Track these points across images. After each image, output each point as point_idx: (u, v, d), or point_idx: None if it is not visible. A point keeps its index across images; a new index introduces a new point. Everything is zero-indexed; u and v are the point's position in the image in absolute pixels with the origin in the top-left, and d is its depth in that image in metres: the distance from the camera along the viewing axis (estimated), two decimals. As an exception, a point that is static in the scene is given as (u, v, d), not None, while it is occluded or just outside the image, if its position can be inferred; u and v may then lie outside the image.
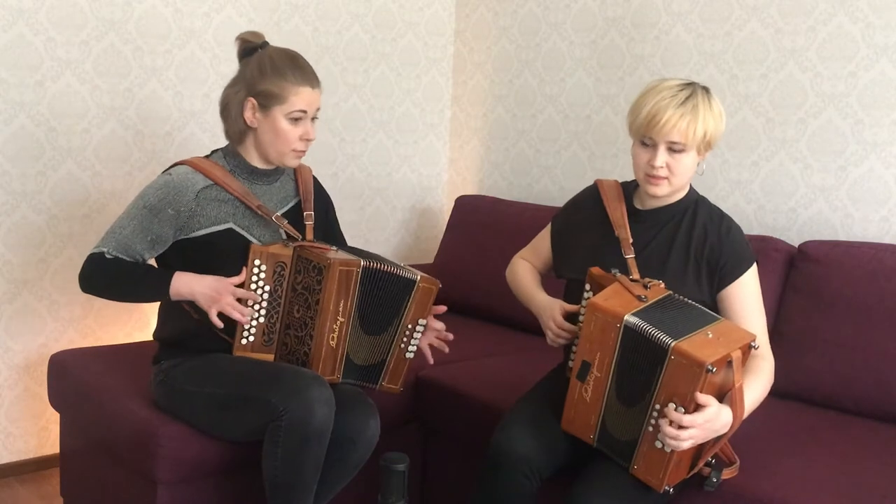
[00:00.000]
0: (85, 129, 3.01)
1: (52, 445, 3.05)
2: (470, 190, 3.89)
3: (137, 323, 3.19)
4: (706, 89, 2.00)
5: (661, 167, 1.95)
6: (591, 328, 1.86)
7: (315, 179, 2.42)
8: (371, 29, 3.65)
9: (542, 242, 2.29)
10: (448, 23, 3.89)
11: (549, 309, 2.07)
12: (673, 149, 1.94)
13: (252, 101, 2.16)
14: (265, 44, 2.22)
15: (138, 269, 2.15)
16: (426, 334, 2.31)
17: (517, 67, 3.66)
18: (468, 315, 3.30)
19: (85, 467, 2.60)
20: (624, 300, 1.86)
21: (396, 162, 3.83)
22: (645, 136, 1.96)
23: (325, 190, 2.46)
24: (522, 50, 3.64)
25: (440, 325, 2.33)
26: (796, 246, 2.63)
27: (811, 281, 2.49)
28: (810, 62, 2.74)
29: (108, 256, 2.13)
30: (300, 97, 2.15)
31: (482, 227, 3.42)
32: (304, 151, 2.22)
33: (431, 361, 2.37)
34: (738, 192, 2.94)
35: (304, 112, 2.17)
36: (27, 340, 3.00)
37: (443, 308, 2.33)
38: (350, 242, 2.51)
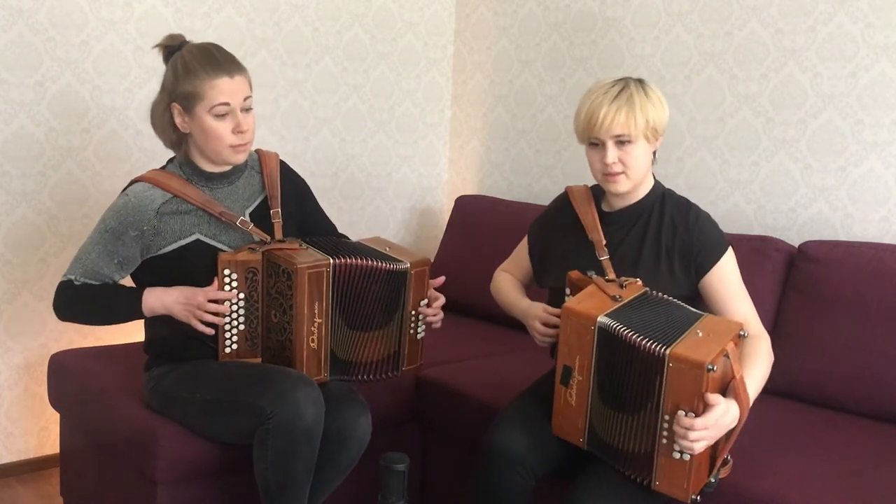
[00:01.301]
0: (85, 129, 3.01)
1: (52, 445, 3.05)
2: (470, 190, 3.89)
3: (138, 323, 3.17)
4: (640, 81, 2.03)
5: (614, 163, 1.99)
6: (567, 332, 1.87)
7: (284, 165, 2.35)
8: (371, 29, 3.65)
9: (521, 254, 2.32)
10: (448, 23, 3.89)
11: (532, 310, 2.08)
12: (620, 141, 1.98)
13: (176, 106, 2.11)
14: (182, 44, 2.16)
15: (108, 292, 2.13)
16: (430, 311, 2.28)
17: (517, 67, 3.66)
18: (468, 315, 3.30)
19: (85, 467, 2.60)
20: (598, 301, 1.87)
21: (396, 162, 3.83)
22: (590, 137, 2.01)
23: (296, 175, 2.39)
24: (522, 50, 3.64)
25: (437, 299, 2.28)
26: (796, 246, 2.63)
27: (811, 281, 2.49)
28: (810, 62, 2.74)
29: (76, 283, 2.12)
30: (217, 90, 2.06)
31: (482, 227, 3.42)
32: (244, 145, 2.13)
33: (436, 325, 2.32)
34: (738, 192, 2.94)
35: (227, 104, 2.07)
36: (27, 340, 3.00)
37: (441, 280, 2.30)
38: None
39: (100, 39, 2.99)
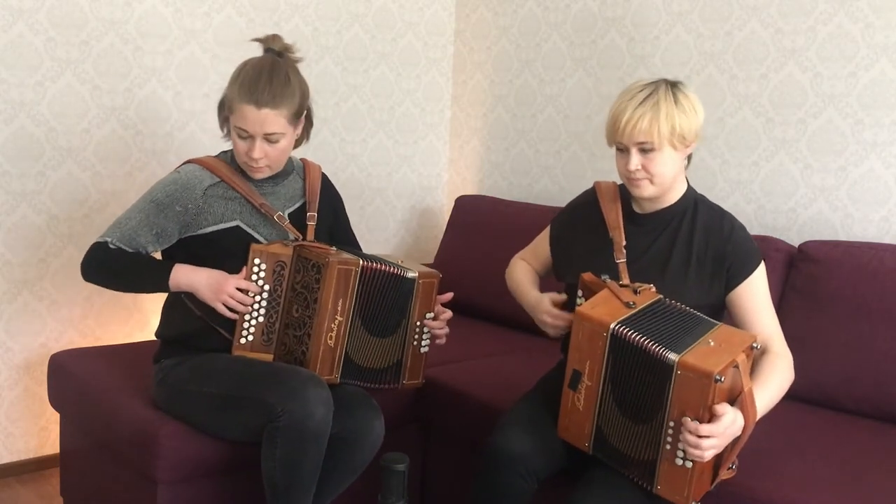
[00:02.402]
0: (85, 129, 3.01)
1: (52, 445, 3.05)
2: (470, 190, 3.89)
3: (137, 323, 3.19)
4: (672, 84, 1.96)
5: (637, 169, 1.94)
6: (578, 337, 1.85)
7: (325, 178, 2.42)
8: (371, 29, 3.65)
9: (542, 244, 2.28)
10: (448, 23, 3.89)
11: (538, 303, 2.06)
12: (644, 149, 1.93)
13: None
14: (267, 50, 2.21)
15: (139, 259, 2.18)
16: (436, 324, 2.31)
17: (517, 67, 3.67)
18: (468, 315, 3.30)
19: (85, 467, 2.60)
20: (612, 307, 1.85)
21: (396, 162, 3.83)
22: (616, 141, 1.97)
23: (335, 190, 2.46)
24: (522, 50, 3.64)
25: (446, 315, 2.32)
26: (796, 246, 2.63)
27: (811, 281, 2.49)
28: (810, 62, 2.74)
29: (111, 246, 2.16)
30: (240, 114, 2.10)
31: (482, 227, 3.42)
32: (258, 168, 2.18)
33: (443, 341, 2.35)
34: (738, 192, 2.94)
35: (246, 131, 2.12)
36: (27, 340, 3.00)
37: (448, 295, 2.34)
38: (350, 242, 2.51)
39: (100, 39, 2.99)
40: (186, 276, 2.16)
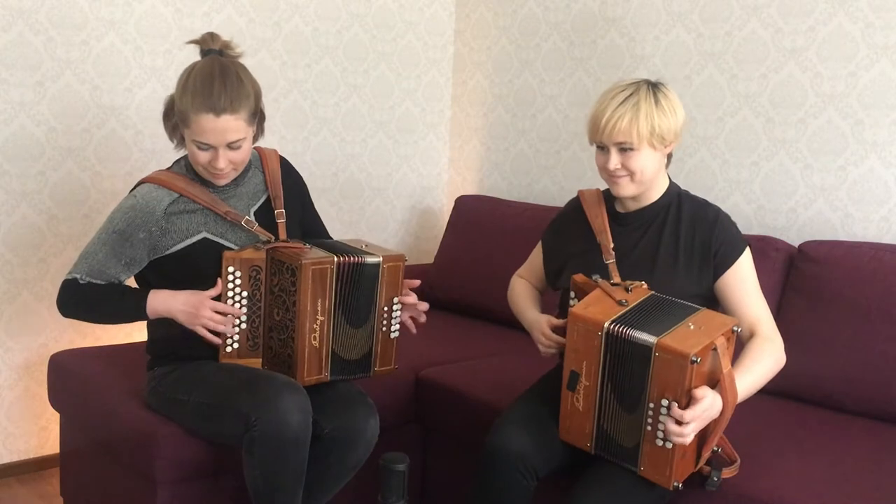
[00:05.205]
0: (85, 129, 3.01)
1: (52, 445, 3.05)
2: (470, 190, 3.89)
3: (137, 323, 3.18)
4: (655, 85, 1.99)
5: (617, 168, 1.97)
6: (574, 338, 1.87)
7: (285, 164, 2.34)
8: (371, 29, 3.65)
9: (536, 259, 2.31)
10: (448, 23, 3.89)
11: (538, 323, 2.08)
12: (623, 148, 1.96)
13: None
14: (207, 52, 2.12)
15: (113, 292, 2.13)
16: (404, 310, 2.26)
17: (517, 67, 3.66)
18: (468, 315, 3.30)
19: (85, 467, 2.60)
20: (605, 306, 1.87)
21: (396, 162, 3.83)
22: (596, 140, 1.99)
23: (297, 174, 2.38)
24: (522, 50, 3.64)
25: (412, 300, 2.26)
26: (796, 246, 2.63)
27: (811, 281, 2.49)
28: (810, 62, 2.74)
29: (80, 282, 2.12)
30: (199, 126, 2.00)
31: (482, 227, 3.42)
32: (221, 175, 2.11)
33: (414, 331, 2.31)
34: (738, 192, 2.94)
35: (207, 144, 2.03)
36: (27, 340, 3.00)
37: (416, 282, 2.28)
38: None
39: (100, 39, 2.99)
40: (163, 302, 2.10)
